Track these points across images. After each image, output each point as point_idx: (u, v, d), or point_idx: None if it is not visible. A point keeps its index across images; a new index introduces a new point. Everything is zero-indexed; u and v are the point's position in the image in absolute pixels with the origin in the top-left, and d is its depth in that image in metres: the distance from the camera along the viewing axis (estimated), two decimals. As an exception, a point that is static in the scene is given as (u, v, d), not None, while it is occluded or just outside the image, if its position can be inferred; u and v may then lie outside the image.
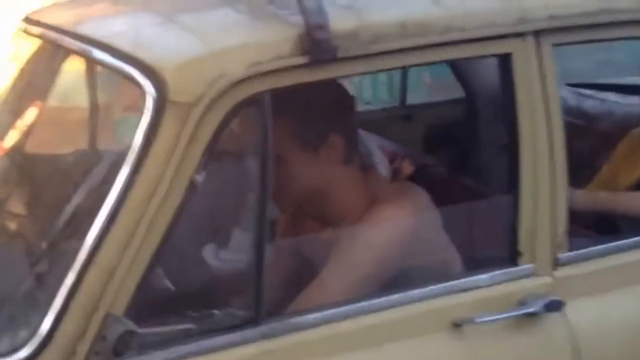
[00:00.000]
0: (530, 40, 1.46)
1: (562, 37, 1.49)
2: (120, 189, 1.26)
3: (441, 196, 1.61)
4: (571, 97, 2.57)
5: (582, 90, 2.63)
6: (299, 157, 1.54)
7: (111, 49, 1.40)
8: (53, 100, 1.68)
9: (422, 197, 1.60)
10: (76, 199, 1.35)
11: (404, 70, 2.38)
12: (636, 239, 1.59)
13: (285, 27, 1.35)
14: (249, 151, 1.37)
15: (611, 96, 2.58)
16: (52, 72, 1.68)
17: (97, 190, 1.32)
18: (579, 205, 1.73)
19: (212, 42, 1.37)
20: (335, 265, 1.49)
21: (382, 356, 1.40)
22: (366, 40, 1.36)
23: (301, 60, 1.32)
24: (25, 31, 1.77)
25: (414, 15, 1.41)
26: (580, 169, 1.82)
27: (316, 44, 1.32)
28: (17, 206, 1.55)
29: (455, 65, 2.28)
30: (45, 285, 1.29)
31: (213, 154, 1.31)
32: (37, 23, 1.73)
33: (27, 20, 1.79)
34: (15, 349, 1.22)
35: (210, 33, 1.41)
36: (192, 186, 1.29)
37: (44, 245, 1.33)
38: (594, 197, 1.90)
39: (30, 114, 1.64)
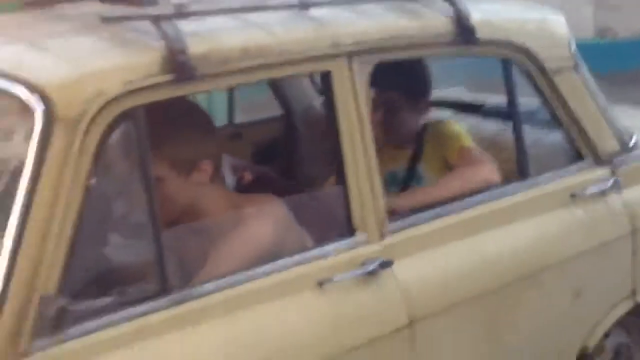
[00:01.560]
0: (344, 61, 1.92)
1: (368, 57, 1.97)
2: (25, 196, 1.51)
3: (284, 196, 2.01)
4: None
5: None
6: (172, 178, 1.86)
7: None
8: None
9: (271, 199, 1.99)
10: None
11: (231, 91, 2.77)
12: (438, 210, 2.09)
13: (149, 51, 1.66)
14: (131, 160, 1.67)
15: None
16: None
17: (6, 199, 1.56)
18: (402, 206, 2.15)
19: (89, 64, 1.64)
20: (220, 256, 1.83)
21: (265, 312, 1.75)
22: (217, 61, 1.72)
23: (167, 78, 1.65)
24: None
25: (253, 41, 1.81)
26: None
27: (179, 65, 1.65)
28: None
29: (275, 86, 2.72)
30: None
31: (102, 162, 1.60)
32: None
33: None
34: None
35: (85, 57, 1.67)
36: (87, 190, 1.57)
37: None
38: (413, 195, 2.31)
39: None
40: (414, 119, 2.54)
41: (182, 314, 1.65)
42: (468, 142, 2.46)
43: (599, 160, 2.44)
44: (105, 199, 1.70)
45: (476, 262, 2.10)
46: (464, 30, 2.13)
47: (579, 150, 2.43)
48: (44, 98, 1.55)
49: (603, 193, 2.41)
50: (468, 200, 2.16)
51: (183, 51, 1.67)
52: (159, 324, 1.62)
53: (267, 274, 1.78)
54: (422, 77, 2.56)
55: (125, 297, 1.60)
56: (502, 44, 2.25)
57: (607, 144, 2.48)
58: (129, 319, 1.59)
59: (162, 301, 1.63)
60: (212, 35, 1.78)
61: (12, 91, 1.59)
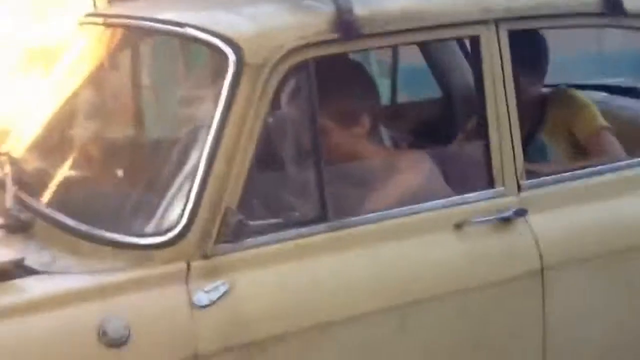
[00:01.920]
0: (492, 26, 2.12)
1: (515, 24, 2.16)
2: (217, 127, 1.81)
3: (439, 156, 2.24)
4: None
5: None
6: (334, 128, 2.13)
7: (196, 27, 1.96)
8: (147, 69, 2.25)
9: (421, 153, 2.23)
10: (191, 136, 1.92)
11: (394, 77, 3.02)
12: (573, 172, 2.26)
13: (321, 13, 1.93)
14: (301, 103, 1.96)
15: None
16: (140, 49, 2.26)
17: (203, 128, 1.88)
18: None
19: (272, 22, 1.95)
20: (374, 195, 2.09)
21: (408, 245, 1.99)
22: (379, 22, 1.97)
23: (335, 36, 1.92)
24: (102, 23, 2.30)
25: (412, 5, 2.05)
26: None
27: (345, 25, 1.92)
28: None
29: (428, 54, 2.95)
30: (184, 191, 1.83)
31: (277, 103, 1.89)
32: (115, 16, 2.28)
33: (97, 15, 2.35)
34: (171, 229, 1.77)
35: (268, 17, 1.98)
36: (265, 126, 1.87)
37: (178, 164, 1.88)
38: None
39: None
40: (531, 88, 2.65)
41: (337, 239, 1.92)
42: (605, 121, 2.59)
43: None
44: (278, 134, 1.99)
45: (609, 222, 2.25)
46: (611, 1, 2.27)
47: None
48: (236, 48, 1.86)
49: None
50: (603, 167, 2.32)
51: (350, 12, 1.93)
52: (317, 245, 1.90)
53: (413, 213, 2.03)
54: (538, 44, 2.67)
55: (290, 219, 1.89)
56: None
57: None
58: (292, 238, 1.88)
59: (322, 226, 1.91)
60: (374, 1, 2.04)
61: (211, 41, 1.91)
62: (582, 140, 2.57)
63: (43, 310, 1.65)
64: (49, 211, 1.96)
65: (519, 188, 2.15)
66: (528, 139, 2.64)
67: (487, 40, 2.12)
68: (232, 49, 1.86)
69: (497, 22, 2.13)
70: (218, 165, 1.80)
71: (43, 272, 1.75)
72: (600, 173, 2.29)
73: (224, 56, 1.86)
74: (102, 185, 2.12)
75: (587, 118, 2.60)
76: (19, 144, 2.33)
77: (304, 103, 1.96)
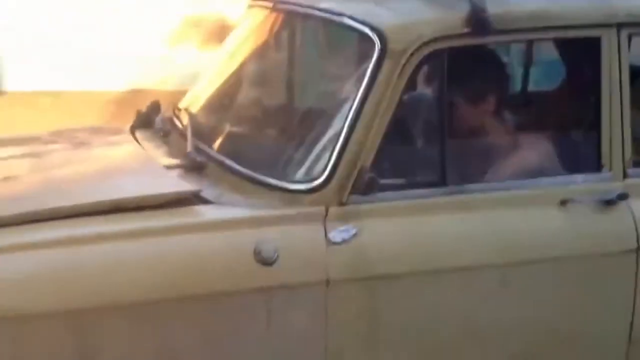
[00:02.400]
0: (613, 30, 2.39)
1: (634, 29, 2.42)
2: (359, 101, 2.20)
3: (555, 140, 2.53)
4: None
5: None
6: (463, 105, 2.48)
7: (351, 17, 2.35)
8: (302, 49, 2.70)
9: (540, 135, 2.54)
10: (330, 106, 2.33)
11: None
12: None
13: (456, 11, 2.27)
14: (434, 85, 2.33)
15: None
16: (298, 32, 2.71)
17: (344, 102, 2.28)
18: None
19: (414, 17, 2.30)
20: (499, 165, 2.43)
21: (516, 215, 2.31)
22: (509, 20, 2.30)
23: (467, 30, 2.25)
24: (271, 8, 2.74)
25: (539, 7, 2.36)
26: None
27: (478, 21, 2.25)
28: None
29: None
30: (325, 148, 2.24)
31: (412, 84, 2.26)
32: (281, 2, 2.70)
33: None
34: (315, 179, 2.19)
35: (411, 12, 2.33)
36: (400, 102, 2.23)
37: (326, 128, 2.29)
38: None
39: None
40: None
41: (452, 202, 2.27)
42: None
43: None
44: (411, 109, 2.36)
45: None
46: None
47: None
48: (382, 36, 2.24)
49: None
50: None
51: (483, 11, 2.26)
52: (434, 206, 2.25)
53: (524, 187, 2.35)
54: None
55: (414, 181, 2.28)
56: None
57: None
58: (414, 197, 2.25)
59: (440, 190, 2.26)
60: (507, 1, 2.36)
61: (362, 30, 2.30)
62: None
63: (213, 231, 2.10)
64: (219, 156, 2.41)
65: (625, 175, 2.42)
66: None
67: (608, 41, 2.40)
68: (379, 37, 2.24)
69: (618, 26, 2.41)
70: (357, 132, 2.19)
71: (214, 203, 2.21)
72: None
73: (371, 42, 2.24)
74: (262, 140, 2.56)
75: None
76: (195, 102, 2.82)
77: (435, 84, 2.32)
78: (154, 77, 7.15)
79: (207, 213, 2.16)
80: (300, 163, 2.27)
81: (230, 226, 2.12)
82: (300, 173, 2.25)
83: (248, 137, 2.58)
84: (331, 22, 2.48)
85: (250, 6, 2.88)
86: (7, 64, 7.79)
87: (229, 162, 2.36)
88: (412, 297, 2.22)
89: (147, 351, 2.04)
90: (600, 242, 2.36)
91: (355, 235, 2.16)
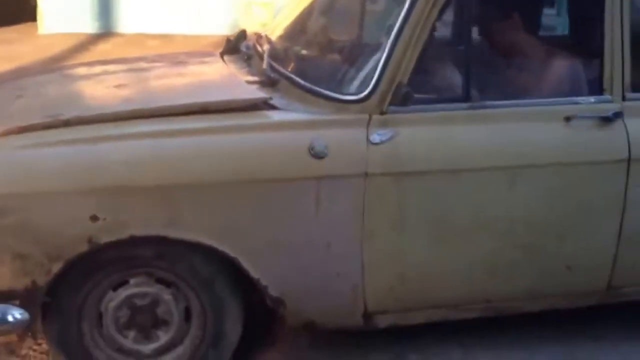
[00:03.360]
0: None
1: None
2: (398, 26, 2.69)
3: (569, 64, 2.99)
4: None
5: None
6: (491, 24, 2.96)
7: None
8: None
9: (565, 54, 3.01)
10: (377, 35, 2.83)
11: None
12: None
13: None
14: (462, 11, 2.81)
15: None
16: None
17: (386, 27, 2.77)
18: None
19: None
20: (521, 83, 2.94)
21: (529, 126, 2.81)
22: None
23: None
24: None
25: None
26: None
27: None
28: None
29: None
30: (370, 66, 2.76)
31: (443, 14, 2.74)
32: None
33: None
34: (361, 92, 2.72)
35: None
36: (433, 28, 2.72)
37: (371, 51, 2.81)
38: None
39: None
40: None
41: (474, 115, 2.78)
42: None
43: None
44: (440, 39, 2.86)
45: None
46: None
47: None
48: None
49: None
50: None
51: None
52: (458, 117, 2.77)
53: (536, 104, 2.84)
54: None
55: (443, 96, 2.79)
56: None
57: None
58: (442, 109, 2.77)
59: (464, 105, 2.77)
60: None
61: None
62: None
63: (277, 130, 2.69)
64: (289, 74, 2.97)
65: (624, 98, 2.87)
66: None
67: None
68: None
69: None
70: (396, 53, 2.70)
71: (281, 109, 2.77)
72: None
73: None
74: (323, 61, 3.10)
75: None
76: (275, 31, 3.37)
77: (463, 11, 2.81)
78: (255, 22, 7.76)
79: (273, 116, 2.74)
80: (352, 79, 2.81)
81: (291, 126, 2.70)
82: (350, 87, 2.79)
83: (313, 59, 3.13)
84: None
85: None
86: (123, 8, 8.59)
87: (296, 78, 2.92)
88: (434, 191, 2.75)
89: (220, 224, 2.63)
90: (597, 152, 2.84)
91: (391, 137, 2.70)
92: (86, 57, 7.31)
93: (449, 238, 2.81)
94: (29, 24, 8.87)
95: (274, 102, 2.79)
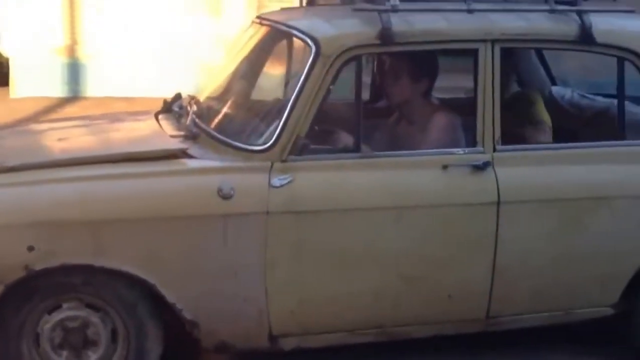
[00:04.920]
0: (489, 44, 3.32)
1: (506, 44, 3.35)
2: (298, 90, 3.18)
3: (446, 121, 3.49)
4: (577, 96, 4.42)
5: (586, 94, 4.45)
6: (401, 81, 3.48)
7: (298, 29, 3.37)
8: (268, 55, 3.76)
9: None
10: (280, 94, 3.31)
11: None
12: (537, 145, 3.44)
13: (372, 27, 3.20)
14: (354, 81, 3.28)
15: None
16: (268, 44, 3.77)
17: (288, 90, 3.26)
18: None
19: (341, 30, 3.29)
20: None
21: (412, 173, 3.28)
22: (408, 35, 3.25)
23: (378, 42, 3.22)
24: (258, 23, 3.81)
25: (432, 25, 3.33)
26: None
27: (385, 36, 3.19)
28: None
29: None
30: (274, 122, 3.23)
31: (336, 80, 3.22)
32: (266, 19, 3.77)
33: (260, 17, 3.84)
34: (266, 143, 3.18)
35: (341, 26, 3.33)
36: (327, 92, 3.20)
37: (275, 109, 3.29)
38: None
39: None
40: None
41: (363, 164, 3.25)
42: (543, 116, 3.72)
43: None
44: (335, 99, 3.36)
45: (552, 179, 3.37)
46: (584, 34, 3.38)
47: None
48: (317, 43, 3.22)
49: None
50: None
51: (389, 28, 3.22)
52: (349, 165, 3.23)
53: (418, 155, 3.35)
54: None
55: (335, 147, 3.27)
56: (615, 47, 3.45)
57: None
58: (335, 159, 3.23)
59: (354, 155, 3.24)
60: (412, 20, 3.31)
61: (304, 38, 3.30)
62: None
63: (191, 175, 3.16)
64: (207, 128, 3.44)
65: (494, 149, 3.35)
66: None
67: (484, 53, 3.33)
68: (315, 44, 3.22)
69: (493, 41, 3.34)
70: (296, 111, 3.18)
71: (197, 158, 3.23)
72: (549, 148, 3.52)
73: (309, 48, 3.24)
74: (236, 117, 3.58)
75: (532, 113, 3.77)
76: (202, 93, 3.86)
77: (354, 80, 3.28)
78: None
79: (188, 163, 3.20)
80: (258, 132, 3.29)
81: (202, 172, 3.17)
82: (257, 139, 3.26)
83: (229, 115, 3.60)
84: (287, 32, 3.51)
85: (252, 22, 3.93)
86: (90, 73, 9.16)
87: (213, 132, 3.40)
88: (327, 227, 3.19)
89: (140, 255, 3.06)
90: (469, 195, 3.31)
91: (290, 182, 3.16)
92: (53, 118, 7.78)
93: (342, 269, 3.24)
94: (1, 88, 9.37)
95: (191, 152, 3.25)
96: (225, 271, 3.13)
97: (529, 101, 3.97)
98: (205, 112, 3.64)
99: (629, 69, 3.52)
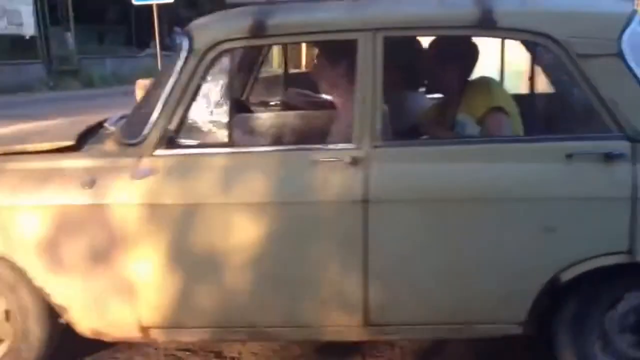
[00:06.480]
0: (370, 34, 3.10)
1: (391, 32, 3.11)
2: (170, 84, 3.21)
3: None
4: None
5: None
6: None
7: (186, 27, 3.38)
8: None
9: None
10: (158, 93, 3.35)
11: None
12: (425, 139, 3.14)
13: (245, 20, 3.17)
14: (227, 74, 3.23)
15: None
16: None
17: (163, 86, 3.28)
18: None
19: (216, 24, 3.27)
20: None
21: (281, 167, 3.17)
22: (284, 27, 3.15)
23: (249, 35, 3.16)
24: None
25: (305, 17, 3.20)
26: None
27: (258, 29, 3.14)
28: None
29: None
30: (148, 117, 3.28)
31: (209, 74, 3.21)
32: None
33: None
34: (136, 137, 3.26)
35: (218, 22, 3.30)
36: (200, 85, 3.20)
37: (152, 105, 3.35)
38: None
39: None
40: (447, 79, 3.53)
41: (233, 156, 3.19)
42: (501, 103, 3.26)
43: (623, 134, 2.99)
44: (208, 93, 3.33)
45: (433, 180, 3.08)
46: (484, 18, 3.03)
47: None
48: (189, 37, 3.24)
49: (608, 158, 2.98)
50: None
51: (261, 21, 3.16)
52: (219, 158, 3.20)
53: (290, 150, 3.25)
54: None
55: (206, 141, 3.24)
56: (523, 30, 3.06)
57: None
58: (205, 154, 3.22)
59: (225, 149, 3.20)
60: (288, 12, 3.22)
61: (182, 33, 3.32)
62: (479, 117, 3.31)
63: (67, 168, 3.30)
64: (114, 125, 3.58)
65: (372, 145, 3.11)
66: (453, 118, 3.49)
67: (364, 43, 3.12)
68: (188, 38, 3.26)
69: (375, 31, 3.11)
70: (167, 106, 3.23)
71: (85, 152, 3.39)
72: (447, 143, 3.20)
73: (184, 42, 3.27)
74: (133, 118, 3.61)
75: (485, 99, 3.31)
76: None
77: (227, 73, 3.23)
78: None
79: (66, 157, 3.35)
80: (136, 128, 3.35)
81: (74, 165, 3.30)
82: (132, 134, 3.33)
83: (131, 117, 3.59)
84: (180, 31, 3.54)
85: None
86: None
87: (114, 128, 3.57)
88: (185, 222, 3.18)
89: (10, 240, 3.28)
90: (334, 193, 3.11)
91: (152, 173, 3.20)
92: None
93: (204, 265, 3.20)
94: None
95: (86, 147, 3.42)
96: (96, 261, 3.24)
97: (485, 88, 3.58)
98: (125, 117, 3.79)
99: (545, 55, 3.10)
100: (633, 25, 3.10)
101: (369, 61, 3.13)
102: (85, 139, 3.52)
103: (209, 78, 3.24)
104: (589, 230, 3.02)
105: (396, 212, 3.09)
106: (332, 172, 3.14)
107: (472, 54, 3.56)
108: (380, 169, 3.11)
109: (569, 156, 3.00)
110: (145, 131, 3.26)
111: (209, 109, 3.35)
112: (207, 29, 3.29)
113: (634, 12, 3.17)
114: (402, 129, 3.37)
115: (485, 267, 3.09)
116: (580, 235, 3.02)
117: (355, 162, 3.11)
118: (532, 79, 3.20)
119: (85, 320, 3.34)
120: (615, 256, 3.02)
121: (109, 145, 3.36)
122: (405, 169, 3.11)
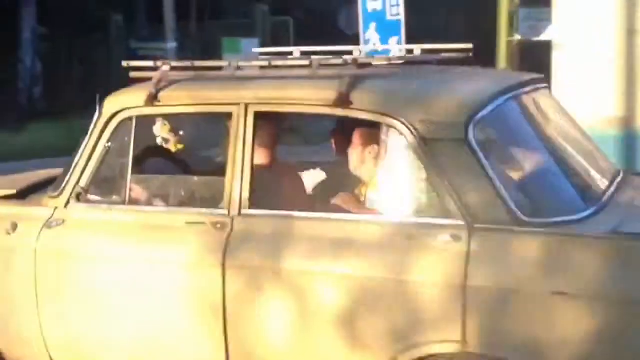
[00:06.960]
0: (242, 107, 3.32)
1: (260, 108, 3.32)
2: (83, 145, 3.61)
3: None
4: None
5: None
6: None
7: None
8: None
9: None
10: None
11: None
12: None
13: (145, 91, 3.51)
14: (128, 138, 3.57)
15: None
16: None
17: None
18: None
19: (124, 94, 3.63)
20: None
21: (161, 230, 3.44)
22: (172, 99, 3.48)
23: (144, 104, 3.50)
24: None
25: (190, 91, 3.50)
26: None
27: (152, 99, 3.48)
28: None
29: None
30: (65, 177, 3.68)
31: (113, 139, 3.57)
32: None
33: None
34: (58, 192, 3.69)
35: (128, 92, 3.64)
36: (106, 150, 3.57)
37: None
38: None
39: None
40: None
41: (128, 211, 3.51)
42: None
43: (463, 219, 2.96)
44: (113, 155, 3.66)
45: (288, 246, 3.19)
46: (340, 99, 3.15)
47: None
48: (101, 104, 3.61)
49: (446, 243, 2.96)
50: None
51: (154, 94, 3.48)
52: (117, 214, 3.53)
53: (170, 212, 3.54)
54: None
55: (107, 199, 3.58)
56: (375, 112, 3.15)
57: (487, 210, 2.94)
58: (107, 209, 3.57)
59: (123, 206, 3.54)
60: (181, 86, 3.51)
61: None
62: None
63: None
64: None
65: (240, 213, 3.30)
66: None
67: (237, 116, 3.34)
68: (100, 107, 3.64)
69: (246, 105, 3.33)
70: (79, 165, 3.63)
71: (24, 202, 3.86)
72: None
73: (97, 109, 3.66)
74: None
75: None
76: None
77: (128, 138, 3.59)
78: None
79: (5, 204, 3.85)
80: (59, 183, 3.75)
81: (3, 212, 3.79)
82: (56, 188, 3.74)
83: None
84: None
85: None
86: None
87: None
88: (84, 270, 3.54)
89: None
90: (198, 255, 3.32)
91: (62, 223, 3.61)
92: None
93: (101, 312, 3.53)
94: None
95: (29, 197, 3.91)
96: (9, 300, 3.70)
97: None
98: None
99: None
100: (490, 108, 3.05)
101: (241, 132, 3.35)
102: (38, 190, 4.01)
103: (114, 141, 3.59)
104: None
105: (247, 279, 3.23)
106: (201, 234, 3.35)
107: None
108: (242, 234, 3.28)
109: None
110: (62, 185, 3.67)
111: (114, 168, 3.70)
112: (117, 97, 3.67)
113: (495, 94, 3.10)
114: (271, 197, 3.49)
115: (325, 341, 3.14)
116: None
117: (223, 226, 3.31)
118: (377, 158, 3.27)
119: (8, 351, 3.78)
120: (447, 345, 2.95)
121: (45, 197, 3.80)
122: (263, 236, 3.25)
